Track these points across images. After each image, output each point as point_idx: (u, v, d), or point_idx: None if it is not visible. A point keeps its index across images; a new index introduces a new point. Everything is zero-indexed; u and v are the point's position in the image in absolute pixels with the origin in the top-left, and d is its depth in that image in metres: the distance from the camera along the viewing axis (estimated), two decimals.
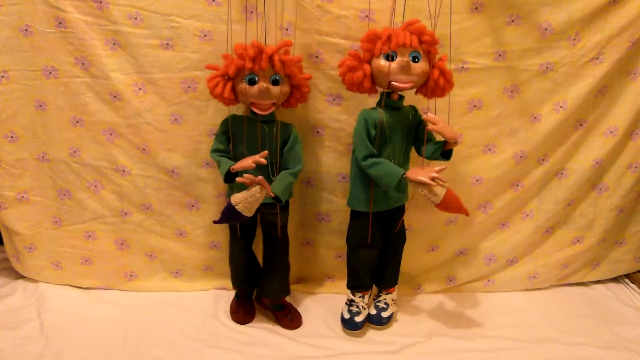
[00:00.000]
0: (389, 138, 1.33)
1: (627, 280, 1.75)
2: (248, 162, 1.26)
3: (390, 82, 1.26)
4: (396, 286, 1.55)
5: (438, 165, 1.26)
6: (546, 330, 1.47)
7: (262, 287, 1.50)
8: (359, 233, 1.42)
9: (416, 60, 1.24)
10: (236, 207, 1.25)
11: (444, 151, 1.32)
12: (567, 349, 1.38)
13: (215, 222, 1.32)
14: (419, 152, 1.38)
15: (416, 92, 1.34)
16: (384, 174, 1.28)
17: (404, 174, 1.26)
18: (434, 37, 1.23)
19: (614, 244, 1.70)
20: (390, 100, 1.32)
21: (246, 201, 1.25)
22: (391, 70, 1.24)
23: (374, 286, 1.54)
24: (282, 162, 1.39)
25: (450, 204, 1.23)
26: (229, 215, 1.27)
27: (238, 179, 1.26)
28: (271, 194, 1.27)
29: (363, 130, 1.30)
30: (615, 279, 1.75)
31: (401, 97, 1.33)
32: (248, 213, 1.26)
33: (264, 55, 1.23)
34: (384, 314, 1.47)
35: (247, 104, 1.33)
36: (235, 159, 1.34)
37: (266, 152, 1.28)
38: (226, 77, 1.28)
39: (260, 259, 1.55)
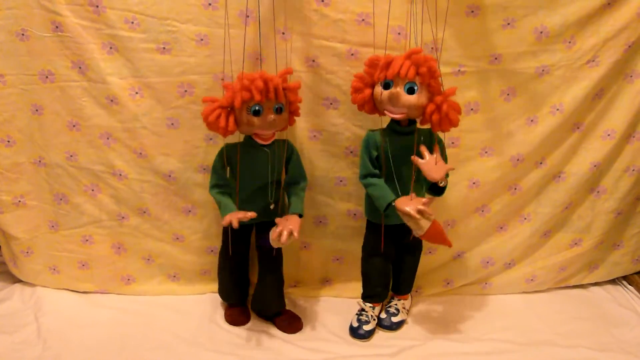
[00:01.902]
0: (394, 163, 1.32)
1: (624, 283, 1.75)
2: (239, 216, 1.25)
3: (384, 110, 1.26)
4: (409, 294, 1.55)
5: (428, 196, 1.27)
6: (544, 332, 1.47)
7: (256, 300, 1.50)
8: (373, 242, 1.43)
9: (411, 91, 1.22)
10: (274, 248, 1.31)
11: (435, 186, 1.28)
12: (565, 351, 1.38)
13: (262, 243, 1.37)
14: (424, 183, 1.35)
15: (421, 123, 1.32)
16: (377, 196, 1.30)
17: (394, 201, 1.26)
18: (433, 69, 1.21)
19: (611, 247, 1.70)
20: (395, 125, 1.31)
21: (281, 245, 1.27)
22: (383, 100, 1.24)
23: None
24: (288, 179, 1.40)
25: (434, 237, 1.24)
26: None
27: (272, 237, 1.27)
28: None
29: (364, 151, 1.33)
30: (613, 281, 1.75)
31: (411, 123, 1.32)
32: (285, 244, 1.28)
33: (271, 86, 1.21)
34: (394, 319, 1.48)
35: (250, 134, 1.32)
36: (240, 187, 1.35)
37: (254, 214, 1.27)
38: (228, 108, 1.26)
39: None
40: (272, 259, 1.44)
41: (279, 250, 1.45)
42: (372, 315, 1.47)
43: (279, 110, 1.27)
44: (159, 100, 1.44)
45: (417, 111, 1.26)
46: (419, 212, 1.21)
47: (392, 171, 1.33)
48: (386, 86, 1.24)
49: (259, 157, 1.34)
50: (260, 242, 1.36)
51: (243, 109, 1.25)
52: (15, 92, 1.45)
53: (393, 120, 1.31)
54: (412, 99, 1.22)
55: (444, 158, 1.34)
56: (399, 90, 1.22)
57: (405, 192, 1.32)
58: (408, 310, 1.54)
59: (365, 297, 1.51)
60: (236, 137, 1.34)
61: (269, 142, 1.32)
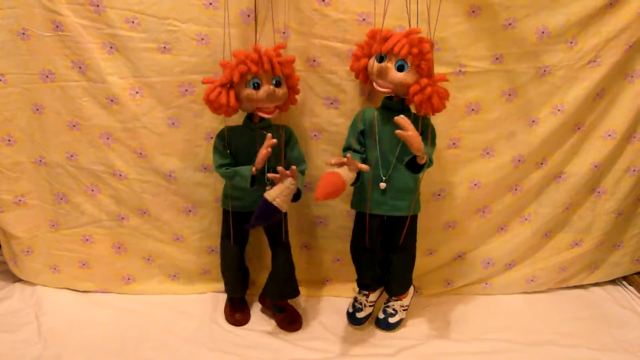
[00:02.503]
0: (379, 137, 1.33)
1: (624, 283, 1.75)
2: (262, 151, 1.25)
3: (372, 82, 1.29)
4: (408, 293, 1.54)
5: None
6: (544, 332, 1.47)
7: (267, 287, 1.49)
8: (360, 236, 1.42)
9: (401, 69, 1.24)
10: (273, 203, 1.20)
11: (414, 163, 1.25)
12: (565, 351, 1.38)
13: (249, 226, 1.25)
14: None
15: (406, 102, 1.33)
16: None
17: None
18: (425, 51, 1.21)
19: (612, 247, 1.70)
20: (388, 101, 1.34)
21: (282, 195, 1.22)
22: (373, 71, 1.27)
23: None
24: (286, 163, 1.38)
25: (321, 180, 1.14)
26: (266, 214, 1.21)
27: (270, 175, 1.24)
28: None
29: (352, 124, 1.38)
30: (613, 282, 1.75)
31: (402, 100, 1.33)
32: (285, 208, 1.23)
33: (265, 58, 1.23)
34: (391, 320, 1.48)
35: (251, 111, 1.33)
36: (237, 165, 1.35)
37: (274, 140, 1.25)
38: (228, 85, 1.27)
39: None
40: (281, 244, 1.45)
41: (288, 239, 1.46)
42: (363, 303, 1.49)
43: (278, 84, 1.29)
44: (159, 100, 1.44)
45: (402, 89, 1.27)
46: (339, 161, 1.18)
47: (376, 145, 1.34)
48: (380, 59, 1.27)
49: (255, 139, 1.34)
50: (249, 224, 1.28)
51: (242, 84, 1.26)
52: (16, 92, 1.45)
53: (388, 97, 1.34)
54: (399, 76, 1.25)
55: (433, 144, 1.33)
56: (389, 65, 1.25)
57: (387, 166, 1.33)
58: (406, 307, 1.53)
59: (360, 286, 1.53)
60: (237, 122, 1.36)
61: (272, 116, 1.31)
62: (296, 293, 1.50)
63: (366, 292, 1.51)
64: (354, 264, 1.51)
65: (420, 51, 1.21)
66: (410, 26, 1.29)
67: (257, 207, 1.22)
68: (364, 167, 1.21)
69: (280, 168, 1.22)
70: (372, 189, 1.35)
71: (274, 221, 1.27)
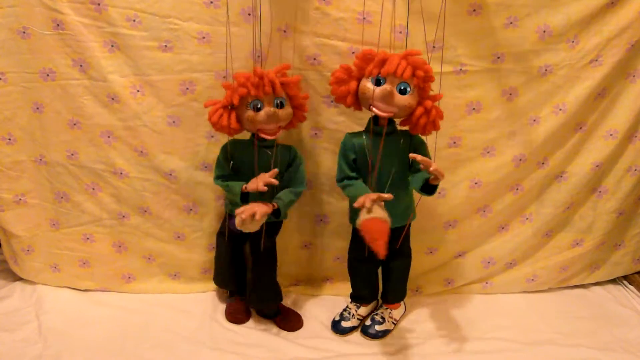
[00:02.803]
0: (372, 164, 1.31)
1: (625, 282, 1.75)
2: (260, 184, 1.25)
3: (370, 105, 1.25)
4: (400, 305, 1.53)
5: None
6: (545, 332, 1.47)
7: (250, 296, 1.48)
8: (357, 247, 1.42)
9: (404, 92, 1.21)
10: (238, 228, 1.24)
11: (429, 185, 1.24)
12: (566, 350, 1.38)
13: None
14: (412, 184, 1.32)
15: (401, 124, 1.32)
16: (352, 196, 1.28)
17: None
18: (429, 73, 1.21)
19: (613, 247, 1.70)
20: (375, 127, 1.30)
21: (245, 227, 1.24)
22: (372, 95, 1.23)
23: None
24: (283, 184, 1.38)
25: (367, 232, 1.15)
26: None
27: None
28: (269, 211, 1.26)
29: (340, 154, 1.33)
30: (614, 281, 1.75)
31: (391, 123, 1.30)
32: (252, 229, 1.25)
33: (266, 80, 1.22)
34: (378, 327, 1.45)
35: (254, 131, 1.32)
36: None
37: (276, 170, 1.28)
38: (229, 107, 1.28)
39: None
40: (260, 254, 1.42)
41: (270, 249, 1.43)
42: (353, 314, 1.47)
43: (279, 105, 1.27)
44: (160, 99, 1.44)
45: (406, 112, 1.25)
46: (374, 202, 1.17)
47: (371, 172, 1.32)
48: (377, 82, 1.23)
49: (261, 158, 1.34)
50: (229, 225, 1.32)
51: (244, 106, 1.26)
52: (17, 90, 1.45)
53: (372, 120, 1.31)
54: (404, 99, 1.22)
55: (428, 157, 1.30)
56: (393, 89, 1.21)
57: (382, 189, 1.30)
58: (397, 321, 1.51)
59: (353, 297, 1.51)
60: (244, 136, 1.35)
61: (274, 137, 1.31)
62: (278, 299, 1.48)
63: (357, 305, 1.50)
64: (350, 276, 1.51)
65: (426, 73, 1.20)
66: (407, 25, 1.29)
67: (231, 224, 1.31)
68: (388, 196, 1.19)
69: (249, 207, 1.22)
70: None
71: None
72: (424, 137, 1.35)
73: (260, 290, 1.46)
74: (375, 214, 1.16)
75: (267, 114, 1.25)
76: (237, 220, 1.22)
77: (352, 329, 1.46)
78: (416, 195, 1.35)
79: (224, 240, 1.49)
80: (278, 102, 1.27)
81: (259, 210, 1.21)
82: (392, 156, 1.31)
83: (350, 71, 1.28)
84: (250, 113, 1.26)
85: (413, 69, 1.19)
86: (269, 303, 1.49)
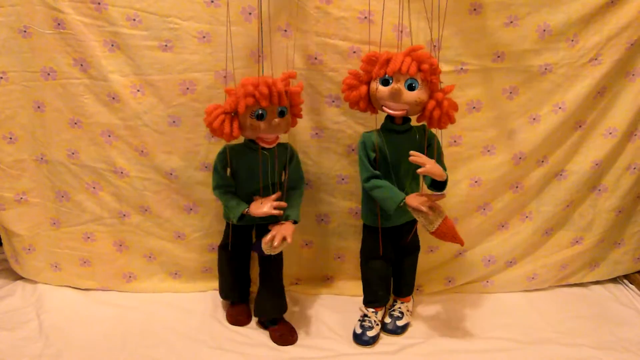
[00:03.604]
0: (391, 162, 1.32)
1: (625, 281, 1.75)
2: (264, 210, 1.27)
3: (382, 106, 1.26)
4: (411, 296, 1.55)
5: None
6: (545, 330, 1.47)
7: (256, 304, 1.46)
8: (371, 246, 1.42)
9: (412, 88, 1.22)
10: (267, 253, 1.30)
11: (436, 183, 1.27)
12: (566, 349, 1.38)
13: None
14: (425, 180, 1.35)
15: (417, 120, 1.33)
16: (384, 197, 1.28)
17: (404, 199, 1.25)
18: (435, 66, 1.22)
19: (612, 245, 1.70)
20: (390, 125, 1.31)
21: (276, 250, 1.30)
22: (383, 96, 1.23)
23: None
24: (283, 182, 1.39)
25: (445, 234, 1.24)
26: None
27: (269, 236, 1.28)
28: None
29: (362, 154, 1.31)
30: (614, 280, 1.75)
31: (406, 121, 1.32)
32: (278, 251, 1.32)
33: (275, 92, 1.21)
34: (399, 323, 1.46)
35: (253, 138, 1.31)
36: (238, 187, 1.36)
37: (279, 193, 1.30)
38: (232, 113, 1.25)
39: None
40: (271, 263, 1.41)
41: (278, 254, 1.41)
42: (375, 321, 1.43)
43: (282, 114, 1.27)
44: (160, 98, 1.44)
45: (418, 107, 1.26)
46: (430, 208, 1.22)
47: (390, 170, 1.33)
48: (385, 82, 1.23)
49: (258, 159, 1.34)
50: (254, 248, 1.35)
51: (247, 113, 1.24)
52: (18, 89, 1.45)
53: (388, 119, 1.32)
54: (413, 95, 1.22)
55: (440, 153, 1.34)
56: (401, 86, 1.21)
57: (402, 190, 1.32)
58: (411, 312, 1.53)
59: (368, 303, 1.47)
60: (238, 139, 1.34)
61: (272, 146, 1.31)
62: (283, 310, 1.45)
63: (375, 310, 1.46)
64: (363, 279, 1.47)
65: (431, 66, 1.20)
66: (410, 25, 1.29)
67: (254, 247, 1.34)
68: (441, 195, 1.27)
69: (276, 233, 1.27)
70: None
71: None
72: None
73: (265, 299, 1.44)
74: (440, 215, 1.24)
75: (271, 125, 1.25)
76: (265, 247, 1.28)
77: (377, 338, 1.41)
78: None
79: (226, 254, 1.48)
80: (280, 110, 1.26)
81: (287, 234, 1.26)
82: (408, 153, 1.30)
83: (359, 76, 1.28)
84: (252, 121, 1.24)
85: (418, 63, 1.20)
86: (271, 312, 1.45)
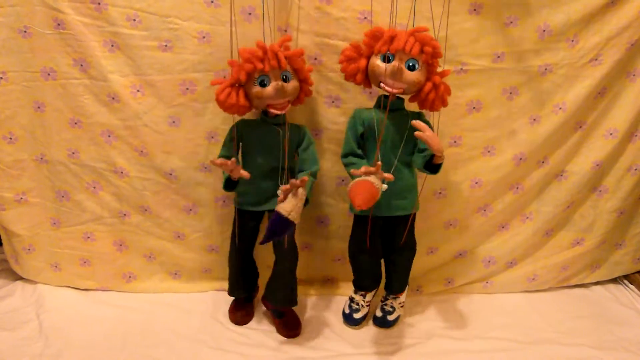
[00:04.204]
0: (381, 139, 1.32)
1: (625, 282, 1.75)
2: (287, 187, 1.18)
3: (380, 82, 1.26)
4: (405, 291, 1.55)
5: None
6: (545, 331, 1.47)
7: (267, 289, 1.47)
8: (359, 238, 1.42)
9: (412, 68, 1.23)
10: (288, 217, 1.15)
11: (431, 164, 1.26)
12: (566, 349, 1.38)
13: (262, 242, 1.18)
14: (415, 164, 1.34)
15: (410, 100, 1.34)
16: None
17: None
18: (438, 49, 1.22)
19: (614, 246, 1.70)
20: (386, 101, 1.31)
21: (297, 207, 1.16)
22: (383, 72, 1.24)
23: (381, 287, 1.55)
24: (295, 163, 1.38)
25: (353, 191, 1.11)
26: (280, 228, 1.16)
27: (283, 188, 1.18)
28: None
29: (350, 128, 1.33)
30: (614, 280, 1.75)
31: (399, 99, 1.33)
32: (298, 220, 1.17)
33: (270, 53, 1.22)
34: (390, 317, 1.48)
35: (263, 108, 1.32)
36: (248, 164, 1.35)
37: (305, 178, 1.19)
38: (236, 85, 1.27)
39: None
40: (284, 251, 1.40)
41: (293, 247, 1.41)
42: (361, 304, 1.49)
43: (286, 79, 1.27)
44: (160, 98, 1.44)
45: (414, 88, 1.27)
46: (362, 172, 1.15)
47: (377, 148, 1.32)
48: (386, 59, 1.24)
49: (271, 135, 1.34)
50: (267, 236, 1.21)
51: (250, 82, 1.25)
52: (18, 89, 1.45)
53: (382, 97, 1.32)
54: (413, 75, 1.23)
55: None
56: (402, 65, 1.22)
57: (389, 168, 1.31)
58: (403, 303, 1.53)
59: (356, 287, 1.52)
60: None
61: (284, 111, 1.30)
62: (293, 303, 1.45)
63: (363, 293, 1.51)
64: (352, 265, 1.50)
65: (434, 49, 1.21)
66: (414, 24, 1.29)
67: (270, 221, 1.17)
68: (389, 176, 1.17)
69: (292, 180, 1.17)
70: None
71: (286, 234, 1.25)
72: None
73: (282, 287, 1.43)
74: (368, 178, 1.13)
75: (275, 88, 1.25)
76: (284, 208, 1.15)
77: (364, 318, 1.49)
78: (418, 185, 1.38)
79: (233, 243, 1.48)
80: (284, 75, 1.27)
81: (298, 183, 1.15)
82: (398, 133, 1.32)
83: (359, 49, 1.29)
84: (257, 89, 1.25)
85: (421, 45, 1.20)
86: (287, 300, 1.44)
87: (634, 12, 1.38)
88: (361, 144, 1.35)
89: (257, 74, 1.24)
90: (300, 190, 1.18)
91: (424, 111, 1.37)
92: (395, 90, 1.26)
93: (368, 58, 1.29)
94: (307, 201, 1.29)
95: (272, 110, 1.29)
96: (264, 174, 1.36)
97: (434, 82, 1.25)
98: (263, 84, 1.25)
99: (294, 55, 1.27)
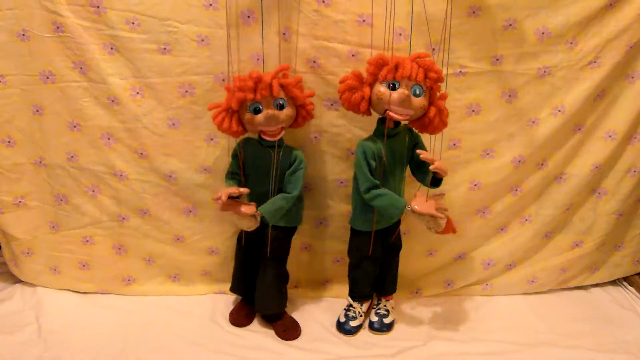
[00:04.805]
0: (388, 167, 1.33)
1: (625, 284, 1.75)
2: (224, 195, 1.27)
3: (386, 110, 1.26)
4: (394, 294, 1.56)
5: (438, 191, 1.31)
6: (544, 333, 1.47)
7: (256, 300, 1.47)
8: (360, 248, 1.43)
9: (417, 94, 1.24)
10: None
11: (434, 179, 1.31)
12: (566, 352, 1.38)
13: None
14: (416, 177, 1.39)
15: (409, 124, 1.35)
16: (387, 205, 1.29)
17: (407, 205, 1.26)
18: (440, 75, 1.24)
19: (613, 248, 1.70)
20: (383, 129, 1.31)
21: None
22: (391, 100, 1.23)
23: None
24: (282, 185, 1.39)
25: (446, 229, 1.28)
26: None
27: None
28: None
29: (363, 163, 1.30)
30: (614, 282, 1.75)
31: (397, 125, 1.33)
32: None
33: (263, 84, 1.23)
34: (386, 320, 1.48)
35: (257, 133, 1.34)
36: (246, 181, 1.39)
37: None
38: (230, 110, 1.29)
39: None
40: (271, 255, 1.42)
41: (281, 246, 1.44)
42: (359, 312, 1.49)
43: (280, 107, 1.28)
44: (159, 101, 1.44)
45: (420, 113, 1.28)
46: (438, 210, 1.24)
47: (386, 174, 1.34)
48: (391, 87, 1.23)
49: (264, 157, 1.36)
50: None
51: (244, 108, 1.27)
52: (16, 93, 1.45)
53: (382, 123, 1.32)
54: (419, 101, 1.25)
55: (424, 149, 1.37)
56: (409, 92, 1.23)
57: (397, 192, 1.35)
58: (393, 308, 1.54)
59: (354, 297, 1.51)
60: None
61: (276, 138, 1.32)
62: (278, 308, 1.46)
63: (361, 302, 1.51)
64: (350, 278, 1.51)
65: (437, 74, 1.23)
66: (413, 24, 1.29)
67: None
68: (445, 206, 1.30)
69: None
70: (377, 211, 1.35)
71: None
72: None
73: (262, 292, 1.45)
74: (445, 215, 1.26)
75: (266, 117, 1.26)
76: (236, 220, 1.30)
77: (360, 327, 1.48)
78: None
79: (238, 243, 1.50)
80: (278, 103, 1.27)
81: (240, 209, 1.29)
82: (400, 155, 1.36)
83: (361, 78, 1.28)
84: (249, 115, 1.28)
85: (425, 71, 1.22)
86: (269, 306, 1.46)
87: (632, 14, 1.38)
88: (375, 175, 1.33)
89: (250, 102, 1.26)
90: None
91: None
92: (402, 118, 1.26)
93: (370, 86, 1.28)
94: (267, 220, 1.34)
95: (264, 137, 1.32)
96: (260, 195, 1.38)
97: (438, 107, 1.26)
98: (256, 111, 1.26)
99: (289, 85, 1.27)
